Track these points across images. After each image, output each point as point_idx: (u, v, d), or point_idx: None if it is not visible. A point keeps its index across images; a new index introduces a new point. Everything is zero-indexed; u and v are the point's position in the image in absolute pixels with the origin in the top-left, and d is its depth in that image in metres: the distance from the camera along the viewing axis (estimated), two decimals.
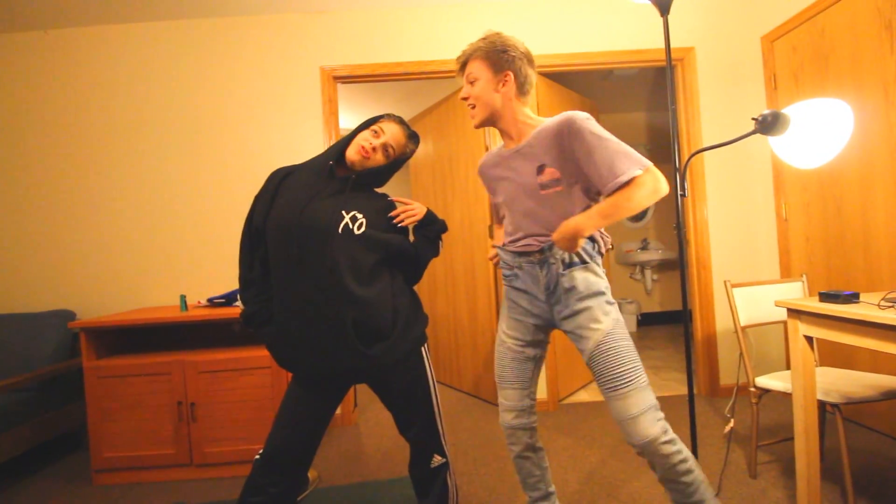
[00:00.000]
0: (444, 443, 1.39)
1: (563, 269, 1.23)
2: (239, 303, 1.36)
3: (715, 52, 2.72)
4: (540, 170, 1.25)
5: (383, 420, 2.60)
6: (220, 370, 1.98)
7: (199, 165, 2.58)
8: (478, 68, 1.27)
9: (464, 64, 1.31)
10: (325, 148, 1.40)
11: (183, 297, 2.17)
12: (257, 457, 1.26)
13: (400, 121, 1.38)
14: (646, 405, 1.12)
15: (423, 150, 3.40)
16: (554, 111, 2.87)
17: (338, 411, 2.58)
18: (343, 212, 1.21)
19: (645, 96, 4.49)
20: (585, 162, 1.15)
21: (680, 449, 1.12)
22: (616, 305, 1.24)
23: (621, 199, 1.09)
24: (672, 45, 2.71)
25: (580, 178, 1.21)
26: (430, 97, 3.93)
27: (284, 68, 2.61)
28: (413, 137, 1.40)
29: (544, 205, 1.26)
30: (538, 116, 1.33)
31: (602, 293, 1.23)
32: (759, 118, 1.17)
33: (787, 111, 1.17)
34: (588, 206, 1.22)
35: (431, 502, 1.39)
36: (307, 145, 2.60)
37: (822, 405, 1.68)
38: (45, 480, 2.07)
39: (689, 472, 1.11)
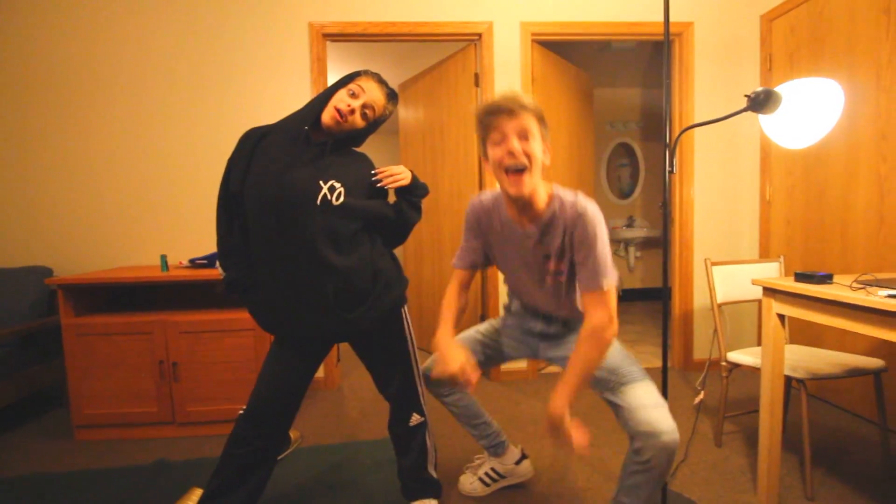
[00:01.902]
0: (422, 402, 1.43)
1: (562, 326, 1.35)
2: (219, 268, 1.31)
3: (714, 29, 2.68)
4: (545, 259, 1.21)
5: (366, 384, 2.65)
6: (202, 331, 1.97)
7: (181, 123, 2.49)
8: (532, 124, 1.10)
9: (515, 111, 1.09)
10: None
11: (164, 257, 2.14)
12: (241, 412, 1.28)
13: (379, 78, 1.31)
14: (658, 397, 1.12)
15: (413, 116, 3.33)
16: (549, 82, 2.82)
17: (321, 374, 2.61)
18: (321, 181, 1.17)
19: (641, 72, 4.44)
20: (580, 258, 1.14)
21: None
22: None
23: (596, 345, 1.11)
24: (671, 20, 2.66)
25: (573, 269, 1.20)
26: (423, 61, 3.82)
27: (271, 22, 2.50)
28: (392, 97, 1.34)
29: (544, 290, 1.28)
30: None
31: None
32: (752, 95, 1.17)
33: (779, 89, 1.17)
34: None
35: (411, 459, 1.44)
36: (294, 106, 2.52)
37: (788, 380, 1.76)
38: (27, 435, 2.07)
39: (671, 468, 1.14)
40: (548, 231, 1.18)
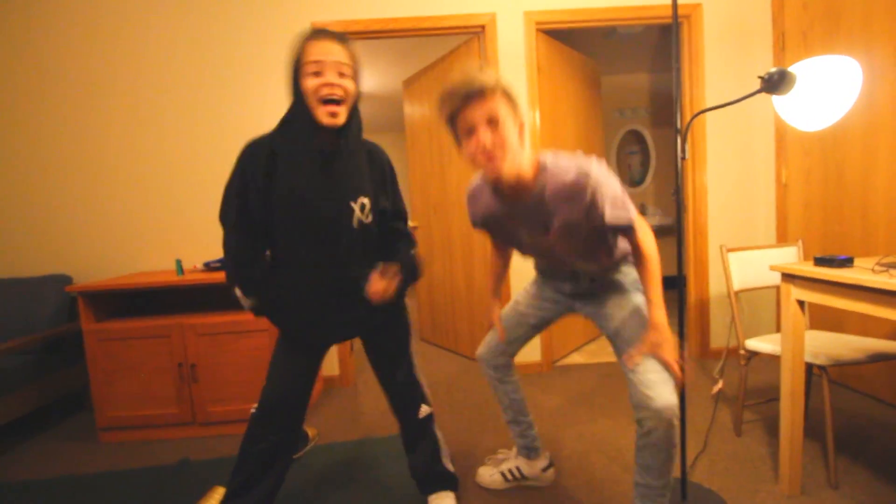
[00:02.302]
0: (426, 392, 1.46)
1: (591, 283, 1.33)
2: (239, 295, 1.25)
3: (723, 9, 2.61)
4: (544, 232, 1.17)
5: None
6: (219, 333, 2.00)
7: (188, 127, 2.52)
8: (499, 106, 1.03)
9: (477, 96, 1.01)
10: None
11: (179, 262, 2.17)
12: (253, 411, 1.30)
13: (322, 34, 1.12)
14: (667, 373, 1.13)
15: (419, 112, 3.32)
16: (555, 71, 2.79)
17: (336, 372, 2.64)
18: (351, 202, 1.19)
19: (648, 57, 4.36)
20: (597, 214, 1.09)
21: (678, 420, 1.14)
22: (641, 294, 1.28)
23: (652, 258, 1.14)
24: (679, 1, 2.60)
25: (584, 230, 1.15)
26: (427, 57, 3.80)
27: (274, 22, 2.50)
28: (343, 38, 1.15)
29: (553, 257, 1.27)
30: (528, 153, 1.15)
31: (624, 286, 1.30)
32: (766, 76, 1.14)
33: (793, 69, 1.13)
34: (591, 244, 1.18)
35: (425, 452, 1.45)
36: None
37: (809, 367, 1.72)
38: (53, 439, 2.13)
39: (675, 444, 1.12)
40: (540, 205, 1.13)
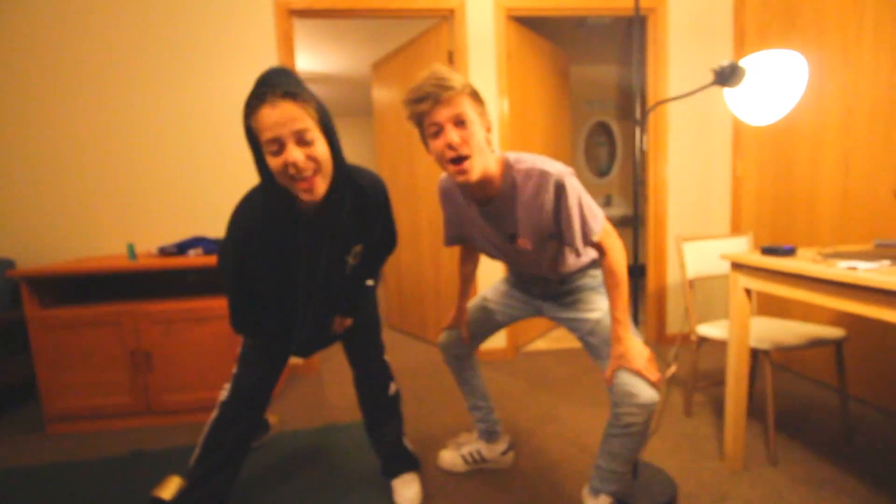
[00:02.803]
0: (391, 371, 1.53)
1: (559, 285, 1.33)
2: (234, 330, 1.26)
3: (688, 4, 2.66)
4: (511, 238, 1.18)
5: (345, 367, 2.65)
6: (175, 320, 1.93)
7: (145, 108, 2.39)
8: (466, 107, 1.02)
9: (444, 97, 1.00)
10: None
11: (131, 246, 2.07)
12: (224, 398, 1.30)
13: (276, 94, 0.92)
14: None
15: (387, 96, 3.26)
16: (525, 59, 2.79)
17: (301, 361, 2.60)
18: (345, 256, 1.20)
19: (617, 49, 4.41)
20: (563, 226, 1.11)
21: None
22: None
23: (620, 276, 1.14)
24: None
25: (552, 238, 1.16)
26: (396, 39, 3.73)
27: (239, 2, 2.39)
28: (300, 94, 0.96)
29: (529, 263, 1.27)
30: (494, 154, 1.13)
31: (593, 288, 1.31)
32: (718, 69, 1.17)
33: (742, 62, 1.17)
34: (559, 251, 1.21)
35: (392, 430, 1.49)
36: None
37: (754, 352, 1.82)
38: None
39: (648, 434, 1.17)
40: (507, 209, 1.14)
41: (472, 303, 1.53)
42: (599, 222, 1.13)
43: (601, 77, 4.85)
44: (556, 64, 3.20)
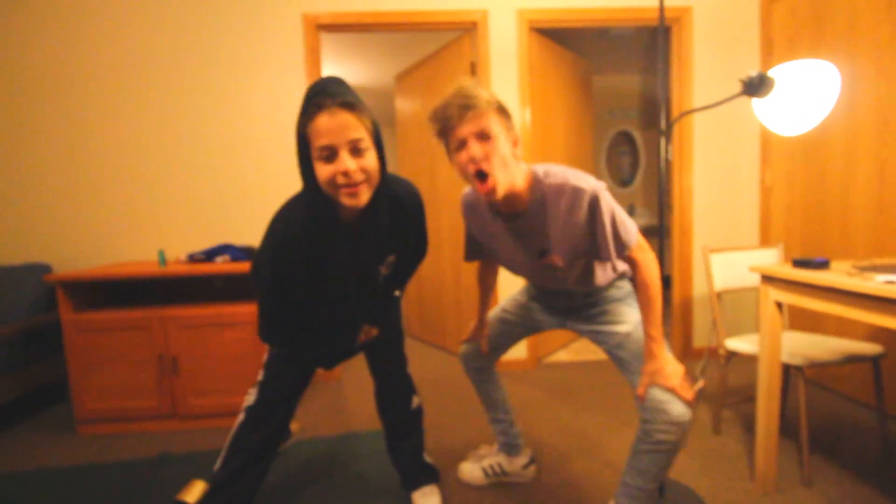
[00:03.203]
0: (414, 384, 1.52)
1: (584, 298, 1.30)
2: (263, 341, 1.27)
3: (713, 13, 2.64)
4: (542, 255, 1.16)
5: (366, 375, 2.66)
6: (201, 325, 1.98)
7: (176, 118, 2.48)
8: (491, 122, 1.02)
9: (470, 112, 1.00)
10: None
11: (161, 253, 2.14)
12: (249, 403, 1.30)
13: (334, 103, 0.94)
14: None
15: (410, 107, 3.30)
16: (547, 70, 2.79)
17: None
18: (379, 266, 1.21)
19: (640, 58, 4.39)
20: (599, 242, 1.09)
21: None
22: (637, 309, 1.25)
23: (654, 291, 1.12)
24: (669, 4, 2.62)
25: (585, 254, 1.14)
26: (419, 51, 3.79)
27: (264, 14, 2.47)
28: (356, 105, 0.98)
29: (554, 281, 1.24)
30: (521, 167, 1.10)
31: (620, 300, 1.28)
32: (746, 79, 1.15)
33: (772, 73, 1.15)
34: (588, 266, 1.19)
35: (413, 443, 1.47)
36: (289, 100, 2.51)
37: (786, 367, 1.76)
38: (30, 431, 2.09)
39: (679, 451, 1.15)
40: (537, 224, 1.12)
41: (492, 314, 1.51)
42: (633, 236, 1.10)
43: (624, 86, 4.81)
44: (579, 74, 3.20)
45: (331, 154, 0.95)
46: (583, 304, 1.32)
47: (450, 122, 1.02)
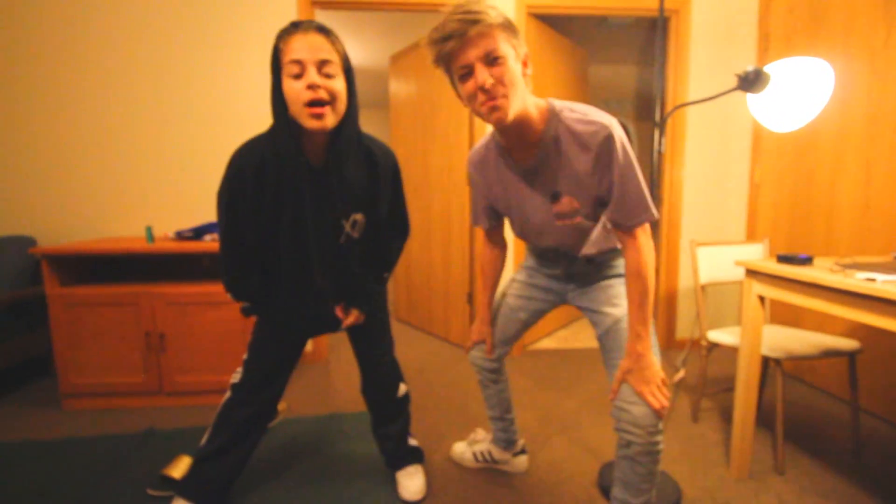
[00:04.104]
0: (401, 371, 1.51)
1: (586, 264, 1.22)
2: (230, 295, 1.24)
3: (711, 7, 2.63)
4: (554, 197, 1.05)
5: (353, 358, 2.67)
6: (188, 303, 1.96)
7: (167, 93, 2.42)
8: (499, 42, 0.90)
9: (470, 36, 0.89)
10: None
11: (149, 229, 2.11)
12: (235, 380, 1.31)
13: (304, 26, 1.00)
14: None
15: (404, 89, 3.26)
16: (544, 57, 2.77)
17: (309, 347, 2.63)
18: (342, 220, 1.17)
19: (637, 50, 4.36)
20: (615, 188, 0.98)
21: (661, 439, 1.06)
22: None
23: (647, 283, 1.01)
24: None
25: (598, 200, 1.03)
26: (415, 33, 3.73)
27: None
28: (328, 32, 1.03)
29: (564, 234, 1.13)
30: (535, 102, 1.01)
31: (624, 276, 1.19)
32: (742, 74, 1.16)
33: (767, 69, 1.16)
34: (600, 198, 1.06)
35: (398, 428, 1.49)
36: None
37: (766, 360, 1.80)
38: (14, 404, 2.08)
39: (657, 462, 1.05)
40: (553, 161, 1.01)
41: (495, 306, 1.43)
42: (645, 210, 1.00)
43: (620, 77, 4.80)
44: (576, 63, 3.18)
45: (300, 70, 0.98)
46: (584, 271, 1.23)
47: (451, 45, 0.90)
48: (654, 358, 1.04)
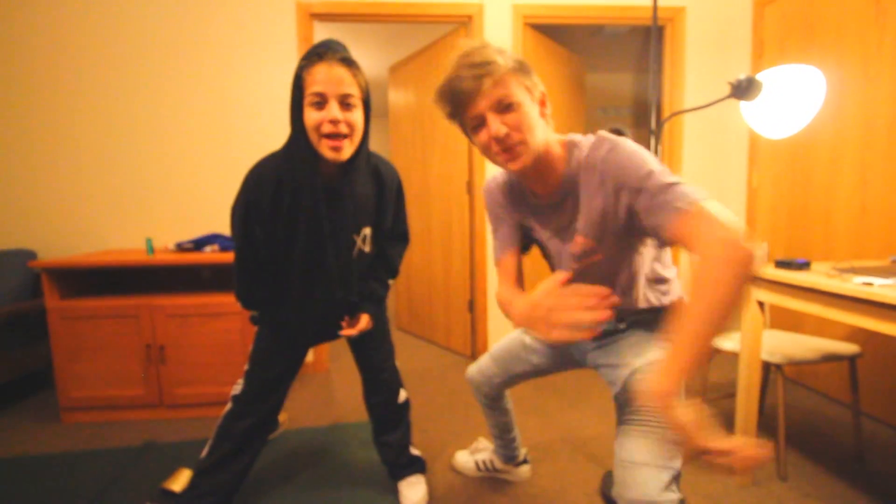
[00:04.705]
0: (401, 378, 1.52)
1: (617, 322, 1.05)
2: (241, 304, 1.27)
3: (706, 15, 2.66)
4: (571, 238, 0.95)
5: (354, 367, 2.67)
6: (188, 315, 1.97)
7: (167, 105, 2.44)
8: (512, 87, 0.84)
9: (483, 88, 0.82)
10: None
11: (149, 241, 2.12)
12: (236, 391, 1.31)
13: (331, 56, 1.02)
14: (660, 459, 0.84)
15: (403, 99, 3.29)
16: (540, 66, 2.80)
17: (310, 358, 2.63)
18: (354, 236, 1.22)
19: (634, 58, 4.40)
20: (645, 192, 0.80)
21: None
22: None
23: (713, 273, 0.67)
24: (663, 4, 2.63)
25: (624, 229, 0.88)
26: (413, 43, 3.77)
27: (257, 1, 2.44)
28: (357, 67, 1.06)
29: (583, 276, 0.97)
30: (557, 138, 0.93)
31: (651, 332, 1.02)
32: (735, 82, 1.17)
33: (760, 76, 1.17)
34: (636, 249, 0.92)
35: (399, 436, 1.49)
36: (280, 88, 2.49)
37: (766, 365, 1.80)
38: (13, 417, 2.07)
39: None
40: (568, 199, 0.92)
41: (510, 336, 1.31)
42: (699, 191, 0.75)
43: (616, 85, 4.84)
44: (572, 71, 3.20)
45: (321, 102, 1.02)
46: (612, 331, 1.06)
47: (461, 98, 0.84)
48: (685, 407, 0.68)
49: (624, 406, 0.95)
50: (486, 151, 0.90)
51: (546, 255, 1.09)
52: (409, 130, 3.24)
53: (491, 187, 1.09)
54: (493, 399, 1.40)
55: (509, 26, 2.57)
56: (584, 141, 0.92)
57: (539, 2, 2.57)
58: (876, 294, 1.04)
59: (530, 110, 0.86)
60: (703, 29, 2.66)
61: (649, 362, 0.94)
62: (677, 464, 0.85)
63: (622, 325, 1.02)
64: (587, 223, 0.91)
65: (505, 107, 0.84)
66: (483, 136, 0.87)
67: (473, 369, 1.40)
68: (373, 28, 3.49)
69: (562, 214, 0.96)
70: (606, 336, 1.06)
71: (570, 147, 0.93)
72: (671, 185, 0.77)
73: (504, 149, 0.86)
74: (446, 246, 2.95)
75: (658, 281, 1.00)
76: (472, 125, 0.89)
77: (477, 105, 0.84)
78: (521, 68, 0.87)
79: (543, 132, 0.89)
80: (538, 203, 0.99)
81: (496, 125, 0.84)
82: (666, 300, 1.00)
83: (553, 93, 2.97)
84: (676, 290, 1.02)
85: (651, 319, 1.01)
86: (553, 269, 1.09)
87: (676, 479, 0.85)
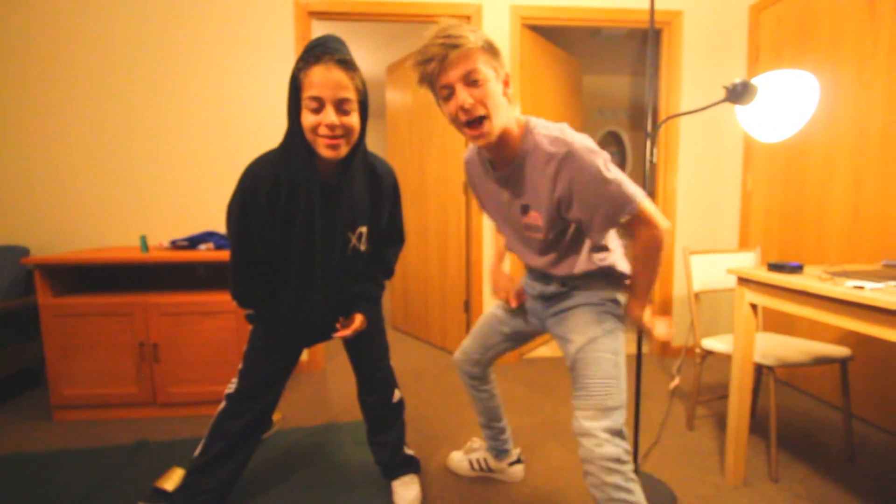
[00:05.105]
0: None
1: (560, 286, 1.19)
2: (237, 303, 1.27)
3: (703, 19, 2.67)
4: (524, 210, 1.09)
5: (349, 367, 2.66)
6: (183, 313, 1.96)
7: (163, 101, 2.43)
8: (479, 63, 0.94)
9: (450, 59, 0.93)
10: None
11: (143, 238, 2.11)
12: (230, 390, 1.31)
13: (329, 58, 1.01)
14: (611, 399, 1.03)
15: (400, 99, 3.29)
16: (538, 67, 2.81)
17: (305, 357, 2.62)
18: (349, 233, 1.22)
19: (631, 60, 4.42)
20: (592, 205, 0.98)
21: (630, 487, 0.97)
22: (620, 321, 1.15)
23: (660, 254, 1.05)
24: (660, 7, 2.65)
25: (566, 223, 1.07)
26: (411, 43, 3.77)
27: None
28: (355, 68, 1.06)
29: (528, 244, 1.16)
30: (519, 118, 1.05)
31: (593, 304, 1.14)
32: (730, 86, 1.18)
33: (755, 81, 1.18)
34: (574, 239, 1.11)
35: (394, 436, 1.49)
36: (277, 86, 2.48)
37: (759, 367, 1.81)
38: (5, 415, 2.06)
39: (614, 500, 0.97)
40: (520, 175, 1.05)
41: (482, 316, 1.45)
42: (638, 195, 0.98)
43: (613, 87, 4.85)
44: (570, 73, 3.21)
45: (318, 106, 1.02)
46: (556, 294, 1.20)
47: (432, 67, 0.94)
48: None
49: (575, 380, 1.12)
50: (455, 121, 0.99)
51: (500, 227, 1.25)
52: (406, 130, 3.24)
53: (472, 157, 1.21)
54: (477, 379, 1.46)
55: (507, 27, 2.58)
56: (541, 128, 1.02)
57: (537, 3, 2.58)
58: (867, 298, 1.05)
59: (495, 88, 0.97)
60: (699, 33, 2.68)
61: (591, 339, 1.10)
62: (617, 417, 1.03)
63: (564, 289, 1.19)
64: (534, 201, 1.05)
65: (472, 81, 0.94)
66: (452, 105, 0.98)
67: (457, 353, 1.48)
68: (371, 27, 3.48)
69: (512, 188, 1.10)
70: (553, 297, 1.22)
71: (526, 130, 1.04)
72: (620, 190, 0.96)
73: (469, 120, 0.97)
74: (442, 246, 2.95)
75: (597, 249, 1.14)
76: (442, 95, 0.99)
77: (448, 75, 0.95)
78: (490, 49, 0.97)
79: (506, 110, 1.00)
80: (495, 174, 1.12)
81: (463, 95, 0.95)
82: (602, 264, 1.14)
83: (550, 94, 2.98)
84: (614, 258, 1.16)
85: (589, 282, 1.17)
86: (509, 242, 1.26)
87: (619, 432, 1.01)
